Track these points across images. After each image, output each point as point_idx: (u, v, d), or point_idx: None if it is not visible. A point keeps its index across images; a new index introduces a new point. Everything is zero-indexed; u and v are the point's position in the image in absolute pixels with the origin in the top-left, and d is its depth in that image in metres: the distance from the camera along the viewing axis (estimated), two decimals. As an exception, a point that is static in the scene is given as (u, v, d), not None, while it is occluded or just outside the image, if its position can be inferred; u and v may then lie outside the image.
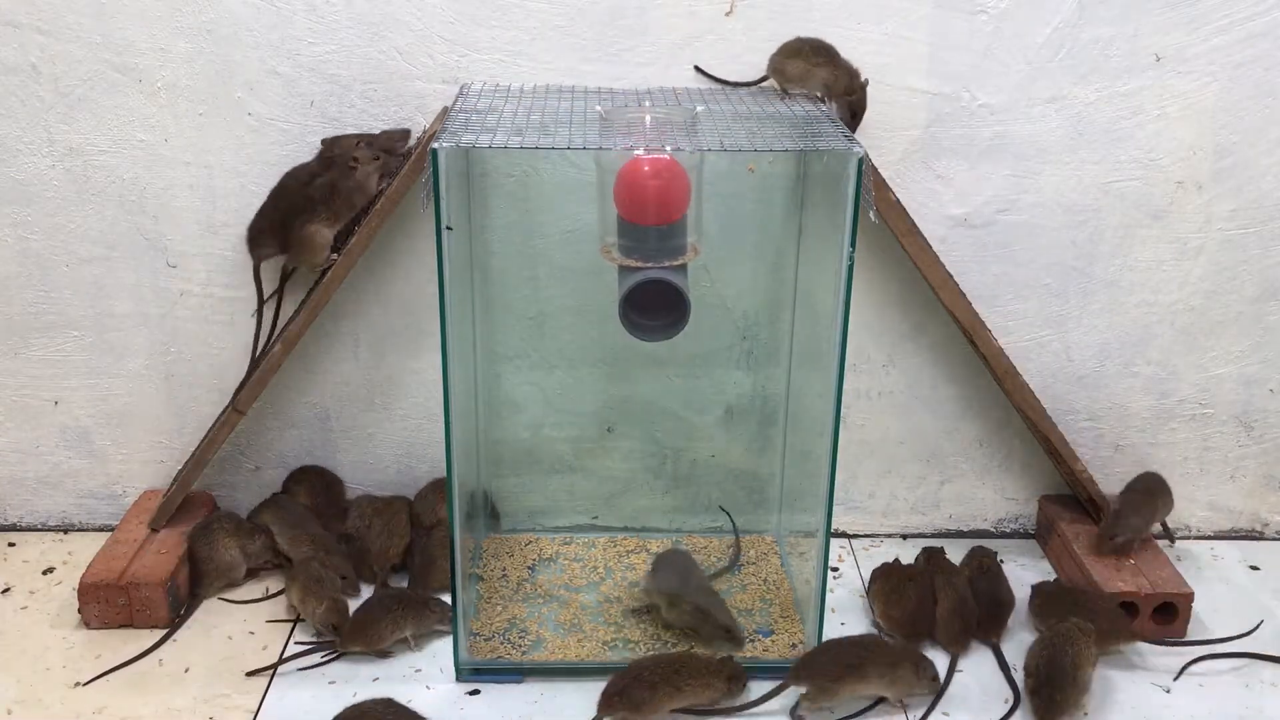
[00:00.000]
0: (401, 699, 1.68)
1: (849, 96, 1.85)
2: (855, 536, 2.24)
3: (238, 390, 2.02)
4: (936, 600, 1.91)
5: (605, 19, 1.91)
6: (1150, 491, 2.08)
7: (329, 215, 1.92)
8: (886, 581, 1.95)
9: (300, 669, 1.82)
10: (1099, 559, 2.00)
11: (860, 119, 1.87)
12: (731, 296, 2.05)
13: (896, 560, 2.01)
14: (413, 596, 1.92)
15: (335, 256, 1.93)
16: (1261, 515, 2.25)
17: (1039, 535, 2.22)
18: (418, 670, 1.83)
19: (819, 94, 1.86)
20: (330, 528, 2.08)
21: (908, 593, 1.91)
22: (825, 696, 1.70)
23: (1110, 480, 2.18)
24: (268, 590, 2.01)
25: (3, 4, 1.88)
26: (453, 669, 1.81)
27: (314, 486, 2.15)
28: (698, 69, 1.93)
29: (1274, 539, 2.26)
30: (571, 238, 2.00)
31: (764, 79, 1.91)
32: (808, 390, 1.95)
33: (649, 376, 2.10)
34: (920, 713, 1.74)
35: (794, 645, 1.87)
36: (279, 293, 2.02)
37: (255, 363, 2.02)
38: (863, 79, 1.86)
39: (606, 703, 1.66)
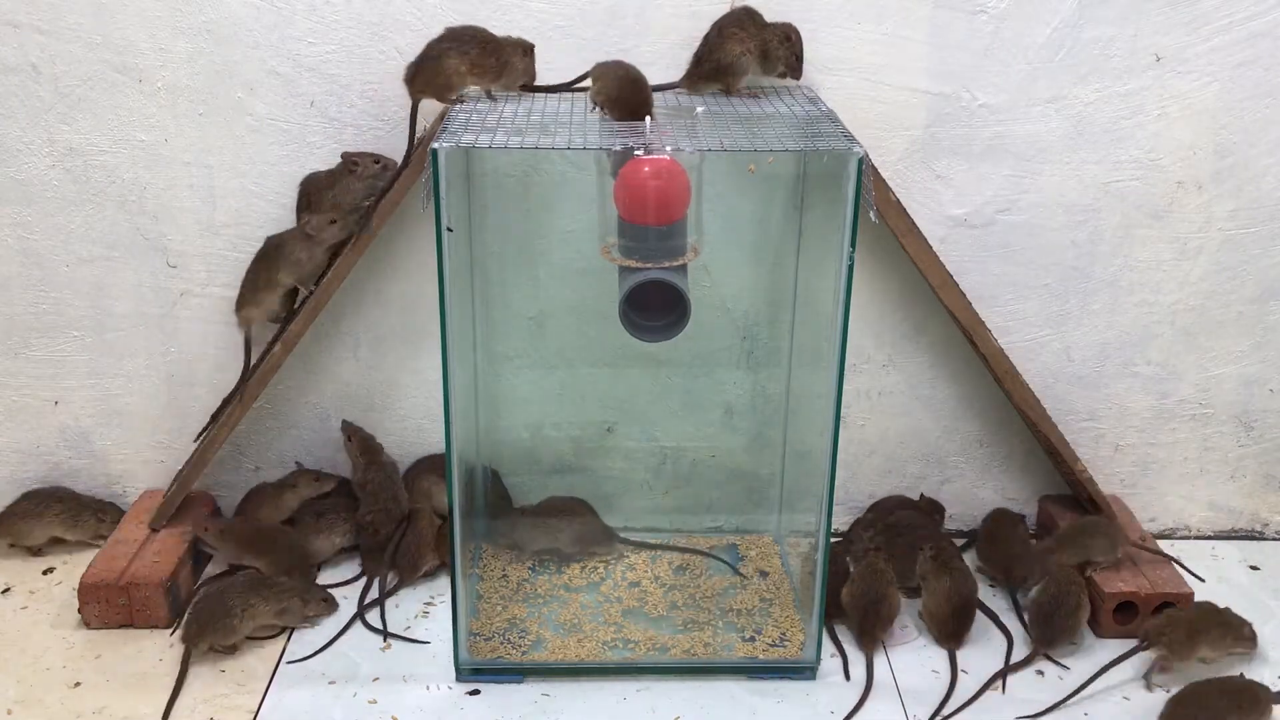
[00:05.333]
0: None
1: None
2: (855, 536, 2.23)
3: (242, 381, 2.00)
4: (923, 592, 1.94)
5: (605, 19, 1.91)
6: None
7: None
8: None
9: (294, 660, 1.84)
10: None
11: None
12: (731, 296, 2.05)
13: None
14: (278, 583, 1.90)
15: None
16: (1261, 515, 2.25)
17: (1039, 535, 2.22)
18: (418, 670, 1.83)
19: None
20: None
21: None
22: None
23: (1110, 480, 2.18)
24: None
25: (3, 4, 1.88)
26: (453, 669, 1.81)
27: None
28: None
29: (1274, 539, 2.26)
30: (571, 238, 2.00)
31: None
32: (808, 390, 1.95)
33: (649, 376, 2.10)
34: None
35: (801, 645, 1.87)
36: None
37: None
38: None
39: None
